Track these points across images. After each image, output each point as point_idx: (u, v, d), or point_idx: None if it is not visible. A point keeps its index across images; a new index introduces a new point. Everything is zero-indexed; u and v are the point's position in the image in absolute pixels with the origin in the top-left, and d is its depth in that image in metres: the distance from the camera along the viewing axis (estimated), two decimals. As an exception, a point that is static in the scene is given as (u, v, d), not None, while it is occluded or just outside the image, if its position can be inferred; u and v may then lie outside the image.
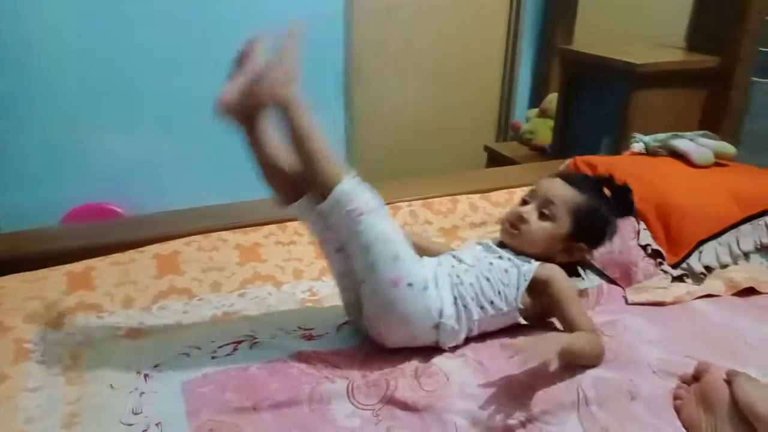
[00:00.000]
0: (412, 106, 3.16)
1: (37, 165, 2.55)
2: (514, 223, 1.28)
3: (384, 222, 1.15)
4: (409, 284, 1.14)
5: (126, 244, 1.52)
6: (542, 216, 1.27)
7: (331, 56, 2.88)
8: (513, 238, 1.28)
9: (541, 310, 1.26)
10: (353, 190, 1.11)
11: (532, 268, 1.24)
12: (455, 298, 1.20)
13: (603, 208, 1.31)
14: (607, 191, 1.36)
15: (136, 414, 1.03)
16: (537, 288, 1.23)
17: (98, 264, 1.44)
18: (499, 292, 1.21)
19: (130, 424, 1.01)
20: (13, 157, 2.46)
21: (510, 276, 1.23)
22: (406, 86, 3.13)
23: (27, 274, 1.41)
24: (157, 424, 1.01)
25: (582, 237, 1.29)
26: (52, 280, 1.39)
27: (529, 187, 1.36)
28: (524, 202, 1.31)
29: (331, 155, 1.11)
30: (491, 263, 1.25)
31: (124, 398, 1.06)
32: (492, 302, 1.21)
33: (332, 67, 2.89)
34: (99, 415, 1.02)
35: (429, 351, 1.20)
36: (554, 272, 1.24)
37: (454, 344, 1.21)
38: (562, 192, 1.28)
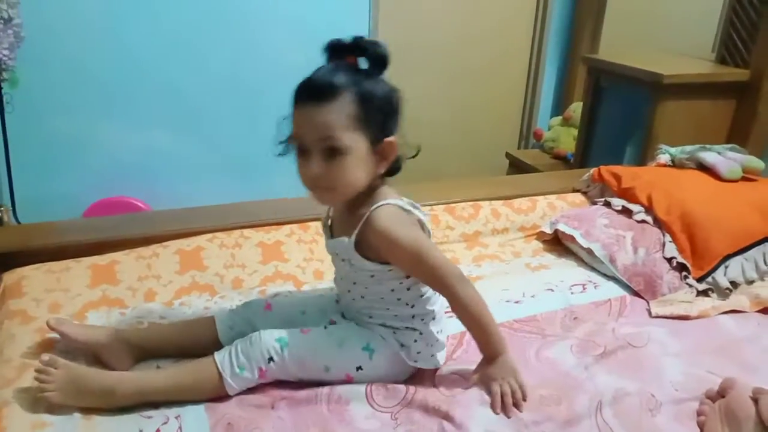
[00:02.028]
0: (434, 111, 3.15)
1: (58, 159, 2.58)
2: (319, 187, 1.05)
3: (292, 352, 1.08)
4: (359, 368, 1.11)
5: (149, 238, 1.53)
6: (332, 155, 1.01)
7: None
8: (333, 197, 1.08)
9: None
10: (233, 372, 1.06)
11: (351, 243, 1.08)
12: (393, 330, 1.14)
13: (367, 86, 1.02)
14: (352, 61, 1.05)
15: (156, 408, 1.03)
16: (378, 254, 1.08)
17: (123, 258, 1.45)
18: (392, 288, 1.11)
19: (150, 417, 1.01)
20: (34, 150, 2.48)
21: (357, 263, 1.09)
22: (429, 90, 3.13)
23: (51, 265, 1.42)
24: (176, 417, 1.01)
25: (382, 132, 1.05)
26: (76, 272, 1.40)
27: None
28: (302, 152, 1.03)
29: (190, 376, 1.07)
30: (350, 267, 1.12)
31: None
32: (409, 287, 1.12)
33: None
34: (119, 409, 1.02)
35: (446, 358, 1.20)
36: (374, 233, 1.05)
37: (444, 349, 1.18)
38: (327, 116, 0.99)
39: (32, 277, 1.36)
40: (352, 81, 1.01)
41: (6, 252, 1.46)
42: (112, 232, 1.58)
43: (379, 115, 1.03)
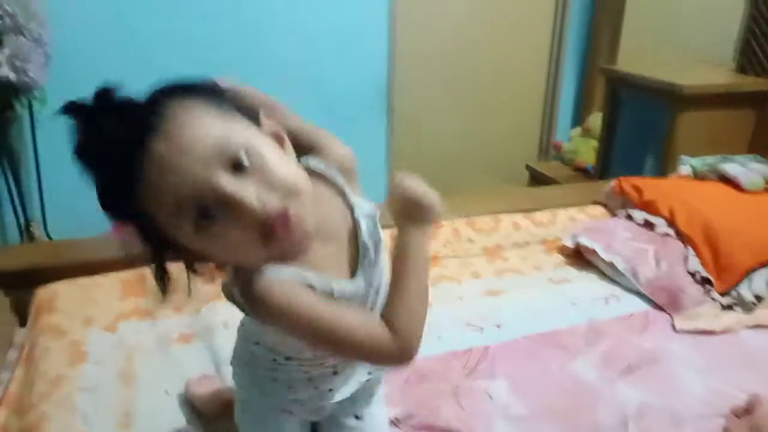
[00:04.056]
0: (453, 123, 3.17)
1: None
2: (271, 225, 0.64)
3: None
4: None
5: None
6: (240, 167, 0.63)
7: (374, 68, 2.91)
8: (305, 201, 0.67)
9: None
10: None
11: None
12: None
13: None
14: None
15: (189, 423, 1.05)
16: None
17: (150, 272, 1.47)
18: None
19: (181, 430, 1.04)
20: (63, 166, 2.53)
21: None
22: (448, 103, 3.15)
23: (82, 280, 1.45)
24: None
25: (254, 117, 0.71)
26: (107, 286, 1.43)
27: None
28: (212, 215, 0.63)
29: None
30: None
31: (178, 405, 1.09)
32: None
33: (375, 78, 2.93)
34: (153, 419, 1.05)
35: (470, 371, 1.21)
36: None
37: None
38: (193, 133, 0.63)
39: (64, 292, 1.40)
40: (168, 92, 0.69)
41: (38, 268, 1.50)
42: (138, 247, 1.61)
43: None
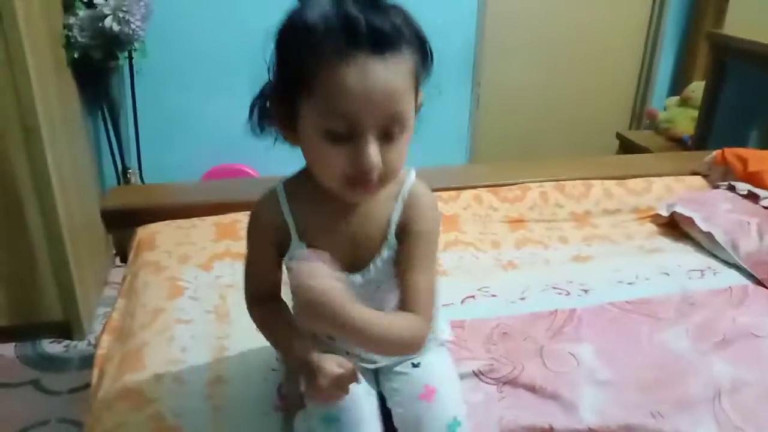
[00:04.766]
0: (541, 87, 3.07)
1: (180, 127, 2.72)
2: (371, 180, 0.73)
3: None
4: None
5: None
6: (389, 135, 0.71)
7: (462, 33, 2.85)
8: (379, 189, 0.76)
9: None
10: None
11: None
12: None
13: (415, 23, 0.73)
14: None
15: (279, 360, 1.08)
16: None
17: (243, 217, 1.52)
18: None
19: (274, 369, 1.06)
20: (158, 118, 2.63)
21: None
22: (539, 66, 3.05)
23: (179, 222, 1.53)
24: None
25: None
26: (202, 228, 1.50)
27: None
28: (340, 137, 0.70)
29: None
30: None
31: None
32: None
33: (462, 44, 2.86)
34: (247, 355, 1.09)
35: (554, 333, 1.19)
36: (427, 208, 0.84)
37: None
38: (395, 80, 0.69)
39: (163, 232, 1.48)
40: (405, 18, 0.71)
41: (137, 209, 1.58)
42: (230, 194, 1.67)
43: (429, 61, 0.76)
